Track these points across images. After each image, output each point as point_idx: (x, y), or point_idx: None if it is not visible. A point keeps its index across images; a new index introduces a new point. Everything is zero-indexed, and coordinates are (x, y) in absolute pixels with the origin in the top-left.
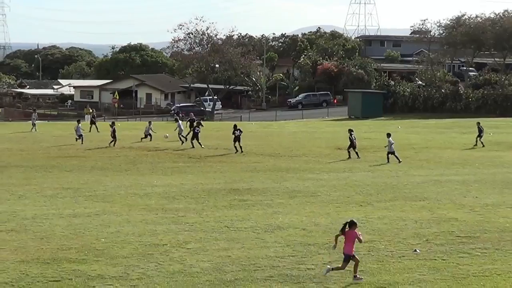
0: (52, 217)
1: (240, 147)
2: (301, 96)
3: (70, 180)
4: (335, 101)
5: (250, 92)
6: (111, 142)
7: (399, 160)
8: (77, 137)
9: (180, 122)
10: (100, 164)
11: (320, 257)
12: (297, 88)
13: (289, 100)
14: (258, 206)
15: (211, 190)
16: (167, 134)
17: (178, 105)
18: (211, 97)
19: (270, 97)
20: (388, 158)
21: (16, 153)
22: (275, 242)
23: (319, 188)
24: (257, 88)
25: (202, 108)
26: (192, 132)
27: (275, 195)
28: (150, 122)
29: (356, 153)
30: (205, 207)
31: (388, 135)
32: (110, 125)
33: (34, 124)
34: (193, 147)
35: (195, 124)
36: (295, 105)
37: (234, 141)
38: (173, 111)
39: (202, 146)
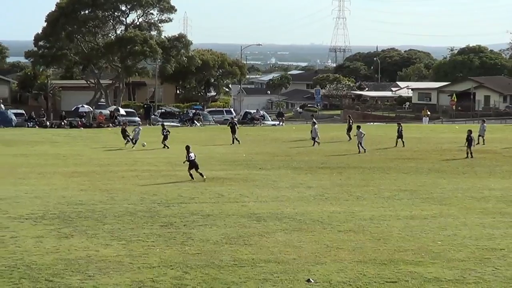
0: (389, 218)
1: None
2: None
3: (407, 182)
4: None
5: None
6: None
7: None
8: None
9: None
10: (437, 167)
11: None
12: None
13: None
14: None
15: None
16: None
17: None
18: None
19: None
20: None
21: (355, 155)
22: None
23: None
24: None
25: None
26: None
27: None
28: (359, 127)
29: None
30: None
31: None
32: None
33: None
34: None
35: None
36: None
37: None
38: None
39: None
